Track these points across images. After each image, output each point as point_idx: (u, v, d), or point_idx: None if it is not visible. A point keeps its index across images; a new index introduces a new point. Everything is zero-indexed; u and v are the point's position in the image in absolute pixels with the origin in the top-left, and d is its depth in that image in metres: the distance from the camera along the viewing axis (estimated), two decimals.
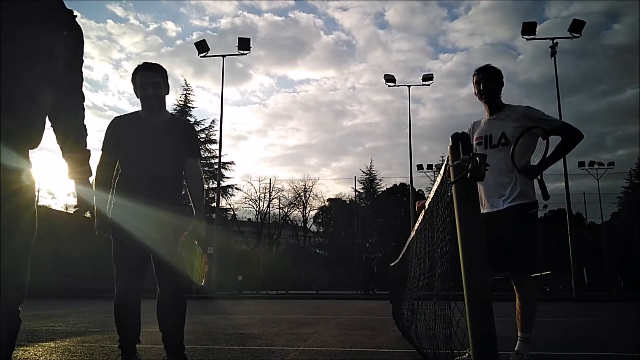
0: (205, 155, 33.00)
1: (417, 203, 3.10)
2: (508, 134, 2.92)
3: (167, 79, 2.76)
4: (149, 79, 2.67)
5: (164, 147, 2.70)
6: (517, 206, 2.86)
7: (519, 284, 2.91)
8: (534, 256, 3.08)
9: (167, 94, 2.78)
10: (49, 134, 1.66)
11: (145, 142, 2.68)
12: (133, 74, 2.72)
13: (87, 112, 1.78)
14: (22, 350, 3.68)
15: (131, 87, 2.74)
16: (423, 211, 2.52)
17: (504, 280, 3.02)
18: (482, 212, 2.92)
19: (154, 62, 2.75)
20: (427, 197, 2.22)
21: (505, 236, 2.79)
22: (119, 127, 2.73)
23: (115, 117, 2.80)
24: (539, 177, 2.85)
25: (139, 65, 2.73)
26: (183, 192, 3.03)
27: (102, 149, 2.73)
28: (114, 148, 2.70)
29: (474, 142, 3.08)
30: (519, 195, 2.88)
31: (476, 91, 3.09)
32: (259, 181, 41.95)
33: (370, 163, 52.88)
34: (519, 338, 2.86)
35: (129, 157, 2.69)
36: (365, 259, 32.20)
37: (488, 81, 3.04)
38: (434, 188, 1.88)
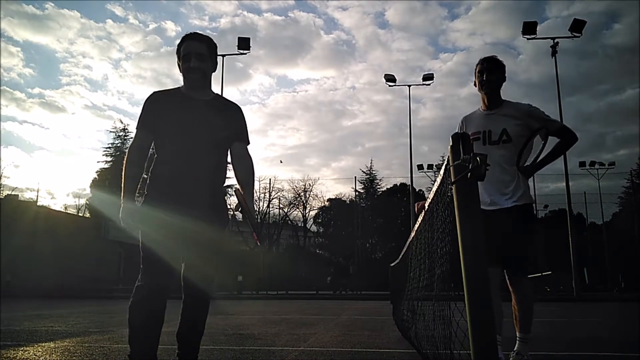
0: None
1: (416, 204, 3.06)
2: (510, 131, 2.85)
3: (216, 54, 2.48)
4: (194, 50, 2.39)
5: (204, 130, 2.38)
6: (523, 206, 2.84)
7: (517, 283, 2.88)
8: (536, 256, 3.07)
9: (214, 71, 2.51)
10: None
11: (183, 123, 2.37)
12: (179, 45, 2.45)
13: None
14: (22, 350, 3.68)
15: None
16: (423, 212, 2.51)
17: (502, 280, 3.00)
18: (481, 208, 2.90)
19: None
20: (427, 197, 2.21)
21: (509, 235, 2.75)
22: (155, 103, 2.42)
23: (154, 92, 2.49)
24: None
25: (186, 35, 2.46)
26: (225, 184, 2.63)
27: (137, 127, 2.43)
28: (149, 125, 2.40)
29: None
30: (523, 195, 2.85)
31: (477, 81, 2.99)
32: (259, 181, 41.84)
33: (370, 163, 53.07)
34: (518, 338, 2.85)
35: (164, 139, 2.39)
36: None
37: (492, 72, 2.93)
38: (434, 188, 1.87)
